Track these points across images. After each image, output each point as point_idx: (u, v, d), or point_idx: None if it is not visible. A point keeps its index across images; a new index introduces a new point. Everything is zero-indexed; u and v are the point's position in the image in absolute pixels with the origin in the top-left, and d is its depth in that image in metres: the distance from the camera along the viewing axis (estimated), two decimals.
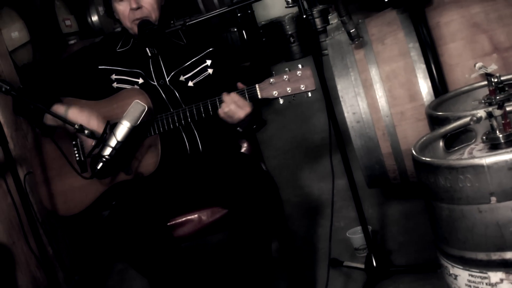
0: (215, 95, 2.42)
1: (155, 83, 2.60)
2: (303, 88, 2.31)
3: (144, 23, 2.53)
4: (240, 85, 2.40)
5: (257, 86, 2.35)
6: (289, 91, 2.32)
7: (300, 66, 2.32)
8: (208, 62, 2.65)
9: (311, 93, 2.33)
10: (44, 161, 2.62)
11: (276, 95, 2.33)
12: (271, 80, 2.33)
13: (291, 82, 2.31)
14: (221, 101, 2.37)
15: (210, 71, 2.64)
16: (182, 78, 2.62)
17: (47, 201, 2.60)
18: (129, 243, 2.35)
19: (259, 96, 2.34)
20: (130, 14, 2.55)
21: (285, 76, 2.32)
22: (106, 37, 2.82)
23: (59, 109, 2.49)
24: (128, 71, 2.62)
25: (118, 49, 2.68)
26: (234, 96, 2.35)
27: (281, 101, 2.35)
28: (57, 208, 2.59)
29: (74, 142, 2.54)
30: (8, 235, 2.90)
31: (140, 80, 2.61)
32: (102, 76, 2.63)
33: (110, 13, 2.66)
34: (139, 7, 2.53)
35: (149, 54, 2.63)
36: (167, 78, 2.61)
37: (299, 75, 2.31)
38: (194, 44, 2.68)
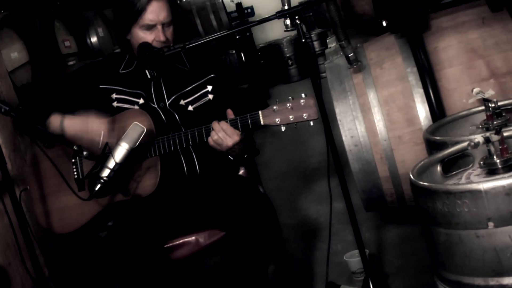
0: (215, 120, 2.43)
1: (155, 106, 2.61)
2: (305, 117, 2.32)
3: (143, 45, 2.54)
4: (230, 113, 2.41)
5: (260, 112, 2.35)
6: (292, 119, 2.33)
7: (303, 95, 2.33)
8: (209, 88, 2.66)
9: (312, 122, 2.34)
10: (41, 178, 2.62)
11: (278, 122, 2.33)
12: (274, 107, 2.33)
13: (294, 110, 2.32)
14: (208, 134, 2.39)
15: (210, 96, 2.65)
16: (182, 102, 2.63)
17: (42, 219, 2.59)
18: (126, 265, 2.34)
19: (262, 123, 2.35)
20: (154, 43, 2.55)
21: (288, 104, 2.32)
22: (108, 57, 2.83)
23: (56, 119, 2.50)
24: (129, 92, 2.63)
25: (121, 70, 2.69)
26: (223, 124, 2.37)
27: (283, 129, 2.35)
28: (52, 225, 2.58)
29: (73, 160, 2.54)
30: (4, 255, 2.89)
31: (141, 101, 2.62)
32: (103, 95, 2.63)
33: (122, 33, 2.64)
34: (165, 41, 2.55)
35: (149, 77, 2.64)
36: (168, 101, 2.62)
37: (302, 103, 2.32)
38: (196, 69, 2.70)
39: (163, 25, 2.55)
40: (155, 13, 2.53)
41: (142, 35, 2.57)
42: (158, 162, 2.46)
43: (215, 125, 2.38)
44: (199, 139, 2.41)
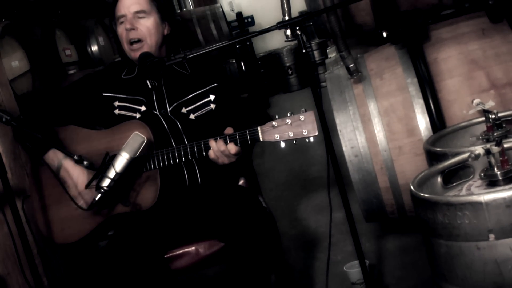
0: (216, 129, 2.43)
1: (157, 112, 2.61)
2: (305, 133, 2.29)
3: (144, 55, 2.55)
4: (229, 130, 2.40)
5: (259, 128, 2.33)
6: (291, 136, 2.30)
7: (303, 110, 2.31)
8: (212, 97, 2.66)
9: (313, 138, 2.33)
10: (43, 188, 2.62)
11: (278, 138, 2.31)
12: (274, 123, 2.31)
13: (293, 126, 2.30)
14: (207, 148, 2.39)
15: (212, 106, 2.65)
16: (184, 110, 2.63)
17: (44, 228, 2.59)
18: (126, 275, 2.33)
19: (261, 139, 2.33)
20: (125, 35, 2.60)
21: (287, 120, 2.30)
22: (111, 65, 2.85)
23: (54, 157, 2.52)
24: (131, 98, 2.64)
25: (124, 75, 2.70)
26: (220, 145, 2.35)
27: (283, 145, 2.33)
28: (54, 235, 2.58)
29: None
30: (3, 265, 2.88)
31: (143, 108, 2.62)
32: (105, 103, 2.64)
33: (116, 38, 2.72)
34: (133, 28, 2.59)
35: (150, 87, 2.65)
36: (169, 108, 2.62)
37: (302, 119, 2.29)
38: (198, 76, 2.70)
39: (134, 14, 2.60)
40: (125, 5, 2.61)
41: (119, 30, 2.65)
42: (158, 175, 2.46)
43: (212, 144, 2.37)
44: (198, 154, 2.40)
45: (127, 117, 2.61)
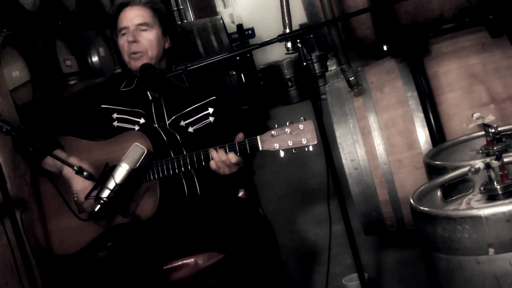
0: (215, 142, 2.43)
1: (156, 125, 2.62)
2: (304, 142, 2.30)
3: (145, 67, 2.56)
4: (239, 137, 2.40)
5: (258, 138, 2.34)
6: (290, 145, 2.31)
7: (302, 119, 2.32)
8: (210, 110, 2.66)
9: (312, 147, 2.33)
10: (41, 199, 2.61)
11: (277, 147, 2.32)
12: (273, 132, 2.32)
13: (292, 135, 2.31)
14: (208, 158, 2.39)
15: (211, 119, 2.66)
16: (182, 123, 2.63)
17: (42, 239, 2.58)
18: (125, 286, 2.33)
19: (260, 148, 2.34)
20: (127, 48, 2.60)
21: (286, 129, 2.31)
22: (111, 77, 2.86)
23: (51, 164, 2.50)
24: (129, 111, 2.64)
25: (122, 88, 2.70)
26: (222, 155, 2.36)
27: (282, 154, 2.34)
28: (53, 247, 2.58)
29: None
30: (1, 276, 2.87)
31: (142, 120, 2.62)
32: (104, 115, 2.65)
33: (117, 51, 2.72)
34: (135, 41, 2.59)
35: (150, 98, 2.65)
36: (168, 121, 2.63)
37: (301, 128, 2.30)
38: (196, 89, 2.70)
39: (137, 27, 2.61)
40: (128, 17, 2.62)
41: (120, 42, 2.66)
42: (157, 185, 2.46)
43: (213, 153, 2.37)
44: (197, 164, 2.41)
45: (126, 130, 2.61)
